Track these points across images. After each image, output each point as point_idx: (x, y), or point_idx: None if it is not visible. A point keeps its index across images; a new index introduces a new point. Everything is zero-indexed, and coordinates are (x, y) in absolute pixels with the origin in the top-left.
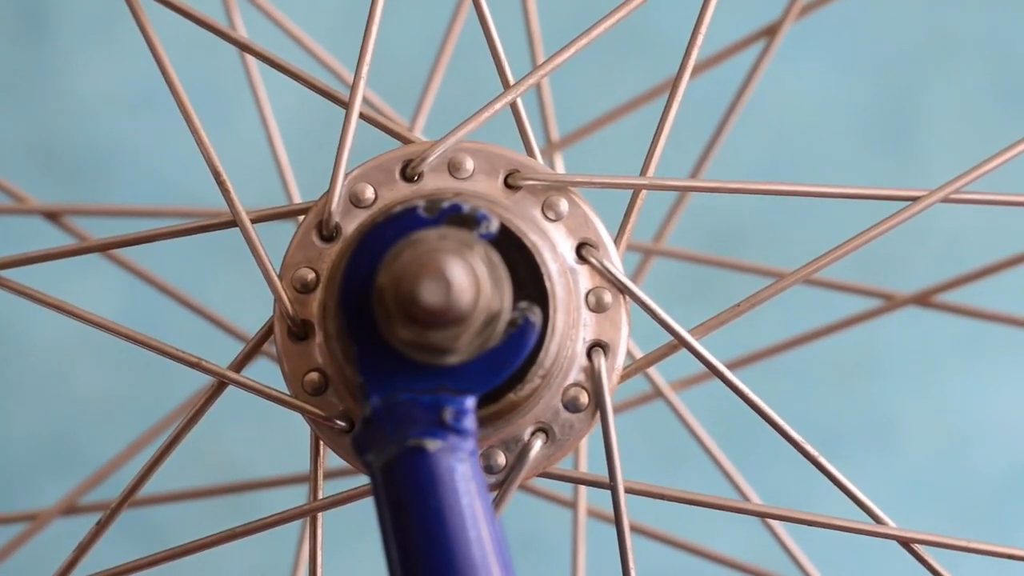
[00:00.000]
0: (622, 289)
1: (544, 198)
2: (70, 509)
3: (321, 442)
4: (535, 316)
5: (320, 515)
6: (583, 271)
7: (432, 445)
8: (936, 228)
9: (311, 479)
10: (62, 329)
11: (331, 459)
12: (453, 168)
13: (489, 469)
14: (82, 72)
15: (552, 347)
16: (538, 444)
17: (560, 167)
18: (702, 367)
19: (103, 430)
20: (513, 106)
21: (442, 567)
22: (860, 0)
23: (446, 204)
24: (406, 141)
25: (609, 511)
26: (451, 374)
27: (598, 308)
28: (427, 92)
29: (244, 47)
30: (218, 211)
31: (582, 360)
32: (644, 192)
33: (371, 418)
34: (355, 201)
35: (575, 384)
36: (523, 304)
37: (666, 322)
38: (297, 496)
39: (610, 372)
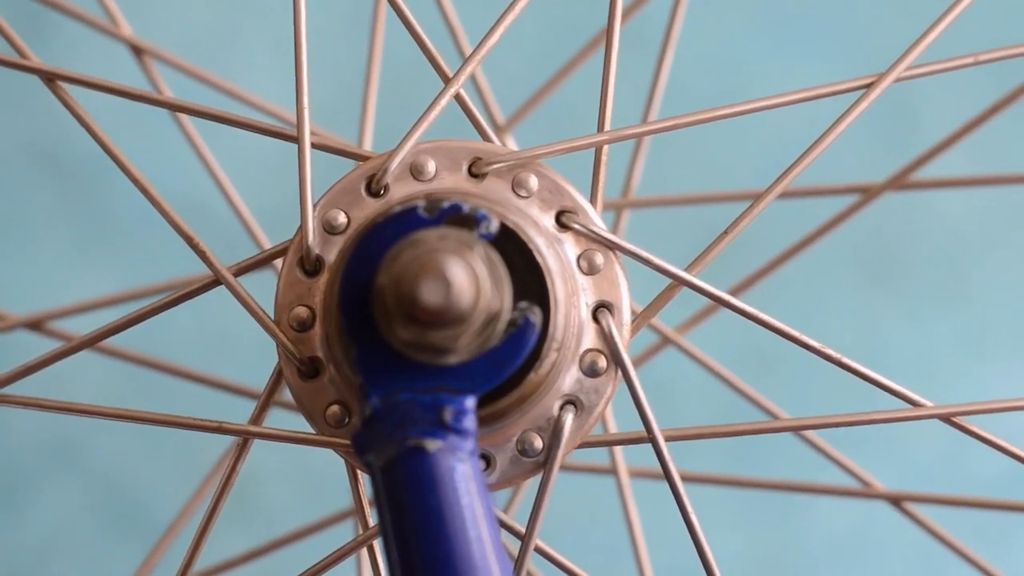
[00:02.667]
0: (611, 245)
1: (511, 178)
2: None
3: (358, 471)
4: (535, 316)
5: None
6: (568, 238)
7: (432, 445)
8: (936, 220)
9: (357, 510)
10: (64, 324)
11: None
12: (416, 172)
13: (525, 453)
14: (86, 71)
15: (559, 318)
16: (569, 417)
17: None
18: (701, 307)
19: (104, 433)
20: (458, 97)
21: (442, 567)
22: (860, 0)
23: (446, 204)
24: (363, 158)
25: (650, 466)
26: (451, 374)
27: (591, 270)
28: (367, 106)
29: (177, 108)
30: (198, 277)
31: (590, 324)
32: (607, 147)
33: (371, 418)
34: (329, 229)
35: (590, 350)
36: (523, 304)
37: (661, 266)
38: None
39: (620, 328)
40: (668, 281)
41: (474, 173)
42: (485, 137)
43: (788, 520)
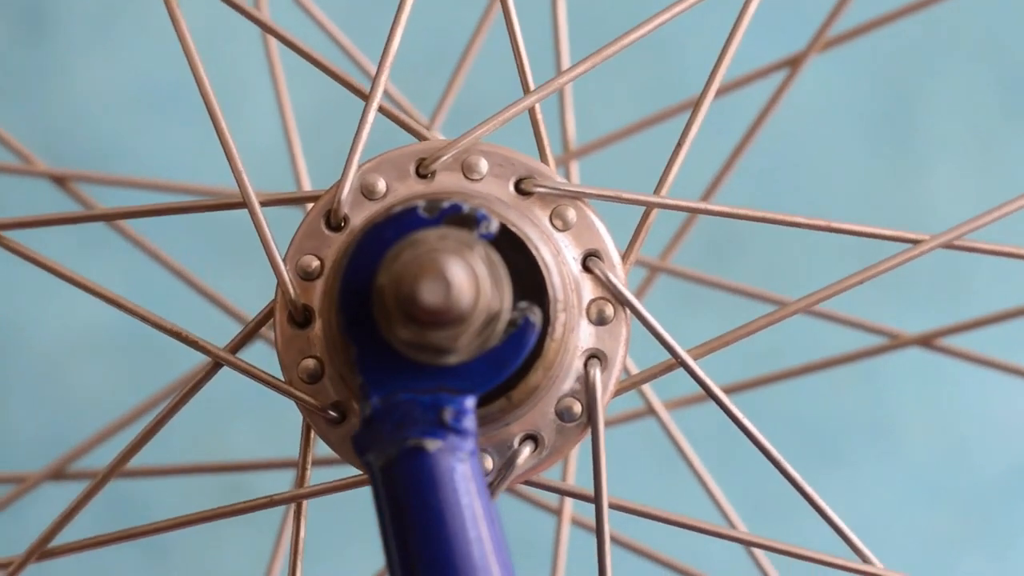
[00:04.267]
0: (624, 303)
1: (554, 206)
2: (58, 475)
3: (312, 431)
4: (535, 316)
5: (305, 503)
6: (587, 281)
7: (432, 445)
8: (936, 227)
9: (299, 466)
10: (61, 330)
11: (323, 449)
12: (467, 168)
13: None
14: (82, 72)
15: (554, 279)
16: (526, 451)
17: (575, 175)
18: (696, 388)
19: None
20: (531, 111)
21: (442, 567)
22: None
23: (446, 204)
24: (422, 138)
25: (592, 521)
26: (451, 374)
27: (599, 320)
28: (449, 90)
29: (268, 29)
30: (229, 191)
31: (579, 370)
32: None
33: (371, 418)
34: (366, 193)
35: (569, 394)
36: (523, 304)
37: (666, 340)
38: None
39: (605, 385)
40: (667, 359)
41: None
42: (544, 159)
43: (788, 520)
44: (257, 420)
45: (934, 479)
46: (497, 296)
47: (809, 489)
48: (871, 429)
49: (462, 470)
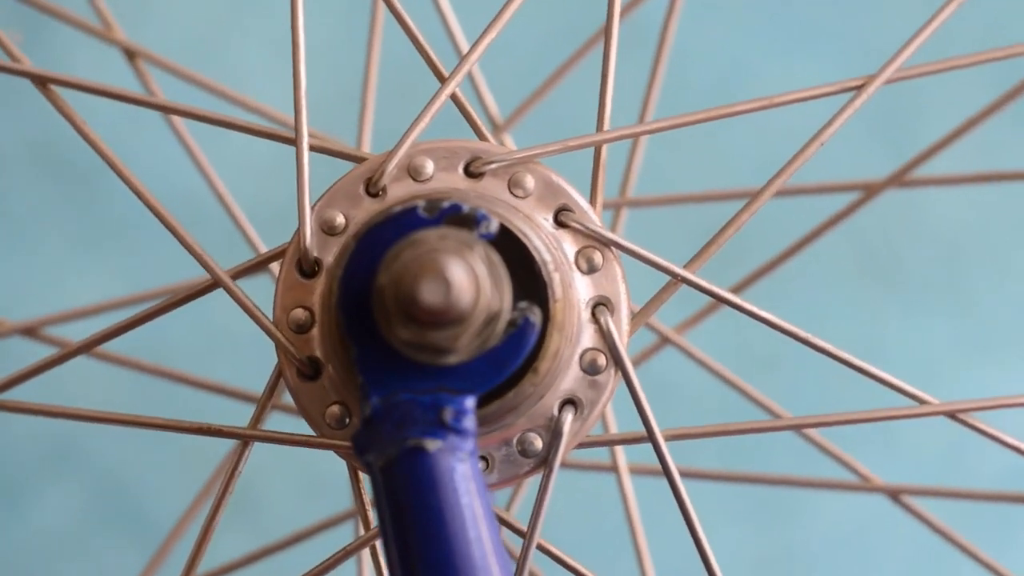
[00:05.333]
0: (608, 243)
1: (508, 177)
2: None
3: (359, 471)
4: (535, 316)
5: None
6: (566, 237)
7: (432, 445)
8: (936, 220)
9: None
10: (61, 330)
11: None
12: (414, 172)
13: (525, 453)
14: (82, 72)
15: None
16: (569, 417)
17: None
18: (700, 307)
19: (103, 432)
20: (455, 96)
21: (442, 567)
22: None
23: (446, 204)
24: (360, 159)
25: (650, 463)
26: (451, 374)
27: (590, 269)
28: (366, 108)
29: (170, 110)
30: (195, 281)
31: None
32: (606, 146)
33: (371, 418)
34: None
35: (589, 348)
36: (523, 304)
37: (660, 263)
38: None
39: (619, 326)
40: (667, 281)
41: (471, 173)
42: (482, 137)
43: (788, 520)
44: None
45: (934, 479)
46: (497, 296)
47: (843, 353)
48: (871, 429)
49: (462, 470)
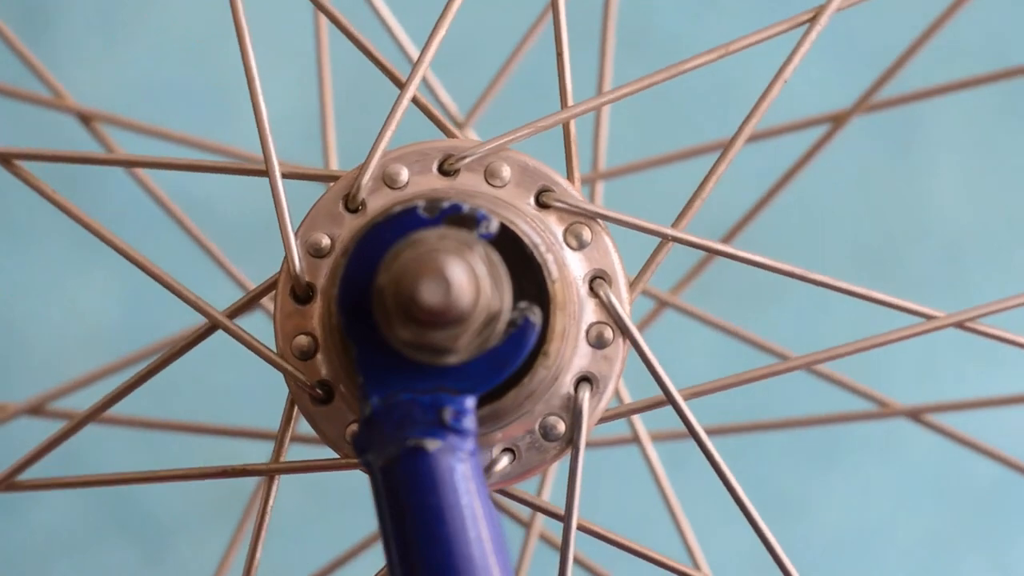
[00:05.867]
0: (594, 215)
1: (483, 169)
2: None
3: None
4: (535, 316)
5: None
6: (551, 216)
7: (432, 445)
8: (936, 227)
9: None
10: (61, 330)
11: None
12: (389, 181)
13: (548, 437)
14: (82, 72)
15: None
16: (586, 394)
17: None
18: (693, 264)
19: (102, 433)
20: (416, 99)
21: (442, 567)
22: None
23: (446, 204)
24: (333, 178)
25: (670, 428)
26: (451, 374)
27: (580, 245)
28: (327, 126)
29: (133, 164)
30: (193, 328)
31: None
32: (574, 122)
33: (371, 418)
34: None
35: (594, 323)
36: (523, 304)
37: (648, 227)
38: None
39: (619, 296)
40: (657, 244)
41: (445, 171)
42: (448, 133)
43: (788, 521)
44: None
45: (934, 479)
46: (497, 296)
47: (833, 280)
48: (871, 429)
49: (462, 470)
